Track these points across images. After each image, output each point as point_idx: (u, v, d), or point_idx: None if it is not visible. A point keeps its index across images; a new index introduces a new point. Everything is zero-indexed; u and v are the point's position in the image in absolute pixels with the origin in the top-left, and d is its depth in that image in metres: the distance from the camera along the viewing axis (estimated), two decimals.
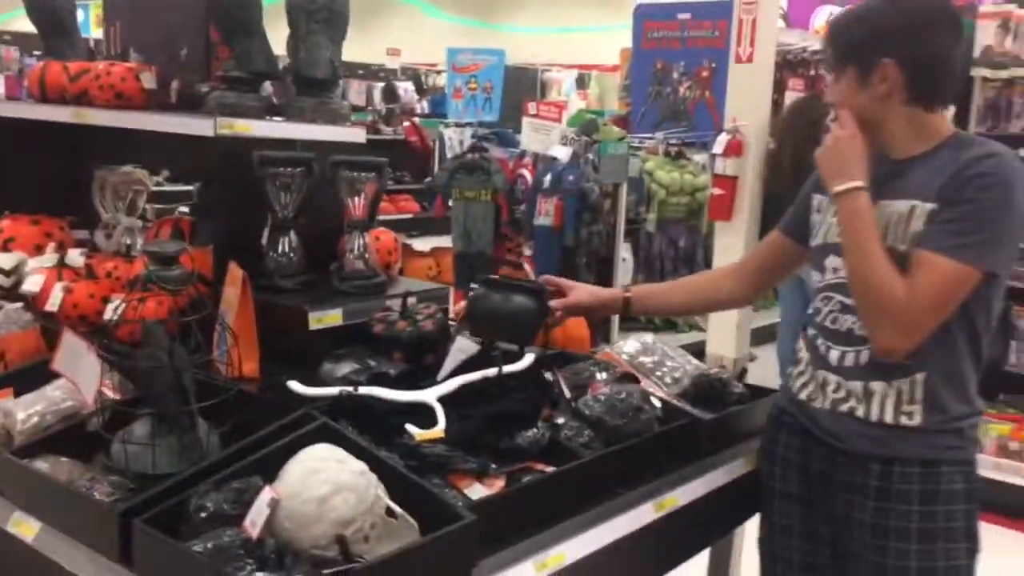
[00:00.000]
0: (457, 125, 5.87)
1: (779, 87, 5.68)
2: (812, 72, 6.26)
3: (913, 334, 1.69)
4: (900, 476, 1.78)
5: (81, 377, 1.80)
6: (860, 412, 1.80)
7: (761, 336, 5.81)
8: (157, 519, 1.41)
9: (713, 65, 6.39)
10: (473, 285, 2.14)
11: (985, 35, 4.53)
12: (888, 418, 1.77)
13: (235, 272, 2.04)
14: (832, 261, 1.86)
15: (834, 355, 1.84)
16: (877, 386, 1.78)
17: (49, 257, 2.53)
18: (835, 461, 1.86)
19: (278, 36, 2.33)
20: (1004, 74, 4.52)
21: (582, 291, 2.18)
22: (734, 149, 4.88)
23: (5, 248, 2.58)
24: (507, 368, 1.86)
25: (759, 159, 4.92)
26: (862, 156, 1.76)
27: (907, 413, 1.76)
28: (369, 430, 1.69)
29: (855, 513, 1.83)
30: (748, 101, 4.90)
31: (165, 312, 1.97)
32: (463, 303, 2.17)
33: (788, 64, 6.07)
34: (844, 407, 1.82)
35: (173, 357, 1.68)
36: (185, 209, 2.99)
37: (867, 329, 1.76)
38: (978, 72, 4.56)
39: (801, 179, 2.08)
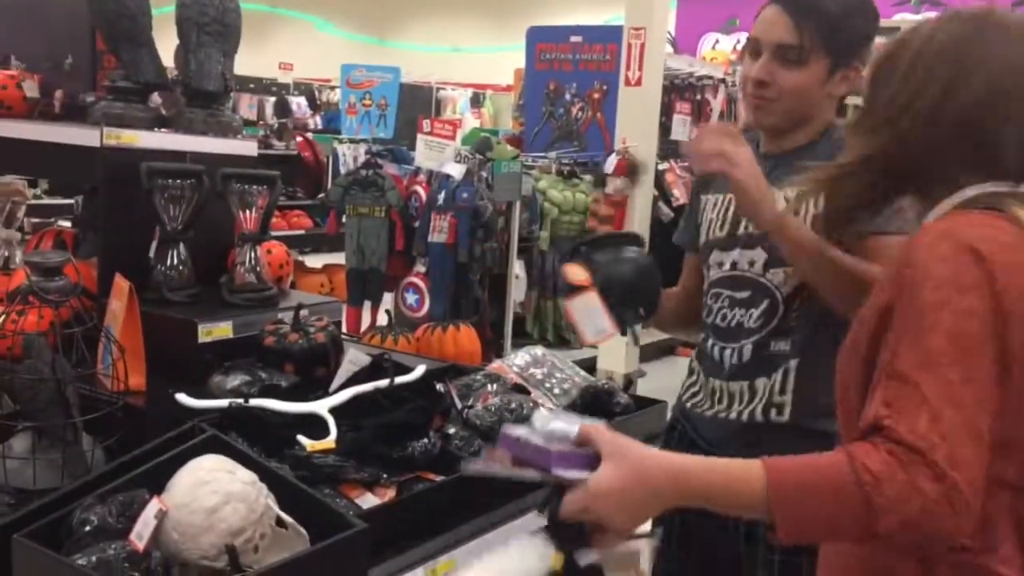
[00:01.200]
0: (351, 141, 5.85)
1: (667, 110, 5.88)
2: (698, 96, 6.50)
3: None
4: None
5: None
6: (734, 414, 1.78)
7: (651, 352, 5.95)
8: (38, 534, 1.38)
9: (604, 87, 6.55)
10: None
11: None
12: (759, 415, 1.75)
13: (121, 284, 2.01)
14: (716, 256, 1.84)
15: (725, 354, 1.80)
16: (760, 383, 1.75)
17: None
18: None
19: (165, 46, 2.31)
20: None
21: None
22: (623, 169, 5.03)
23: None
24: (398, 379, 1.88)
25: (649, 178, 5.08)
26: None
27: (777, 406, 1.74)
28: (259, 442, 1.68)
29: (729, 522, 1.79)
30: (637, 123, 5.06)
31: (47, 324, 1.92)
32: (579, 271, 1.81)
33: (676, 88, 6.28)
34: (723, 410, 1.80)
35: (55, 370, 1.65)
36: (65, 223, 2.91)
37: None
38: None
39: None
